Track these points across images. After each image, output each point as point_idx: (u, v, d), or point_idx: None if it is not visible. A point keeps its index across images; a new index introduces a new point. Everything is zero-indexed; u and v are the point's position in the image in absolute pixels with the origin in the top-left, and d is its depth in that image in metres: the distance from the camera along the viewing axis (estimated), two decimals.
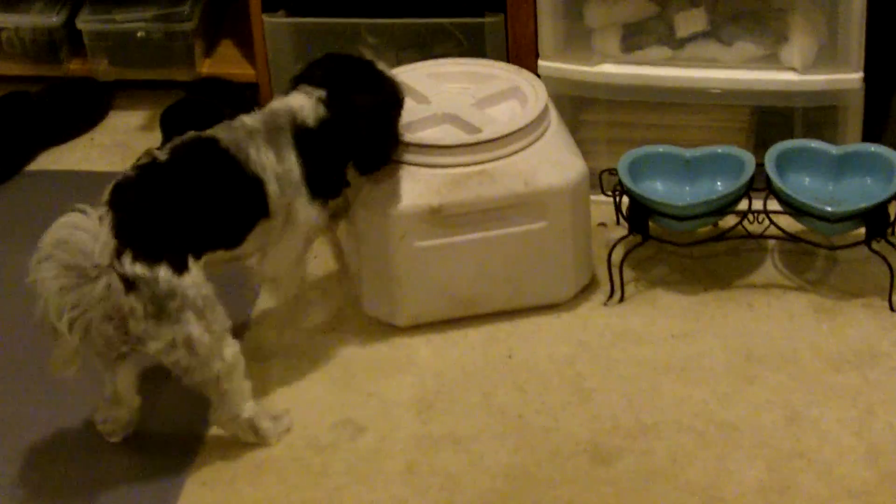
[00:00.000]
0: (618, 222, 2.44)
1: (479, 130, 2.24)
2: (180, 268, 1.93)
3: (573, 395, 2.17)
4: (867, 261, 2.33)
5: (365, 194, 2.22)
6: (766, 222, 2.35)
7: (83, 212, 1.92)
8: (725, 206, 2.31)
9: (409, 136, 2.24)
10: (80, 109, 2.88)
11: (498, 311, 2.31)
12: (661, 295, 2.35)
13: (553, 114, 2.33)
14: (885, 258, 2.29)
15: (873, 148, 2.36)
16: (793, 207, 2.30)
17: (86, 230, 1.90)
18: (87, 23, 2.84)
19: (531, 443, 2.09)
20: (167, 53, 2.86)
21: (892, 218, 2.31)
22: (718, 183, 2.37)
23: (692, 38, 2.49)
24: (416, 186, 2.21)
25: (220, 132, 2.06)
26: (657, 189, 2.39)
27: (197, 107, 2.76)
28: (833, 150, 2.37)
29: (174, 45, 2.85)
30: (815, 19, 2.45)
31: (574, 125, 2.48)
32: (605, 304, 2.34)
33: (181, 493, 2.04)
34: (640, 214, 2.32)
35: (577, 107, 2.54)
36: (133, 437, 2.14)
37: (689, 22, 2.49)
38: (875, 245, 2.28)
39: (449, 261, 2.25)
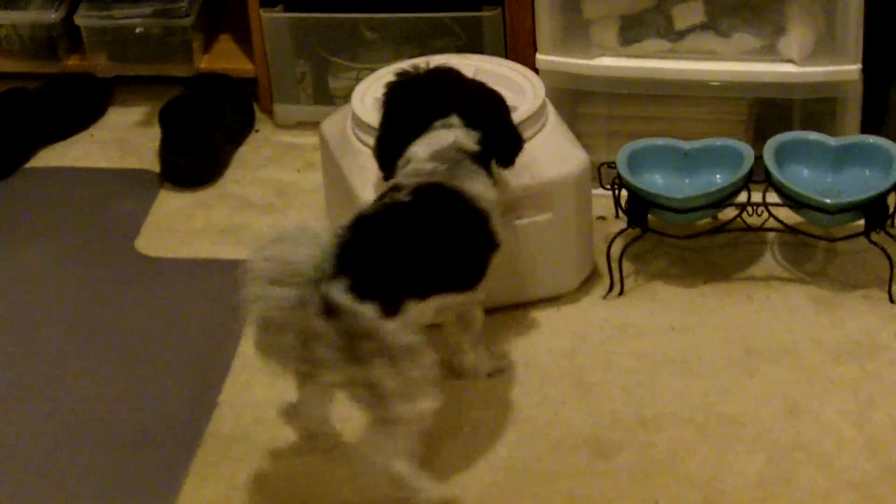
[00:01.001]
0: (616, 215, 2.44)
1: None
2: (390, 311, 1.85)
3: (573, 389, 2.17)
4: (866, 252, 2.33)
5: (370, 191, 2.20)
6: (765, 214, 2.35)
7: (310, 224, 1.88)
8: (724, 198, 2.31)
9: None
10: (78, 106, 2.88)
11: (505, 305, 2.31)
12: (661, 288, 2.35)
13: (550, 107, 2.33)
14: (884, 249, 2.29)
15: (872, 139, 2.36)
16: (792, 199, 2.30)
17: (306, 239, 1.83)
18: (85, 19, 2.84)
19: (531, 436, 2.09)
20: (166, 49, 2.86)
21: (891, 209, 2.31)
22: (717, 175, 2.37)
23: (690, 30, 2.49)
24: None
25: (438, 177, 1.99)
26: (656, 182, 2.39)
27: (196, 102, 2.77)
28: (832, 141, 2.37)
29: (172, 41, 2.85)
30: (814, 11, 2.44)
31: (572, 118, 2.47)
32: (604, 298, 2.34)
33: (182, 489, 2.04)
34: (638, 207, 2.32)
35: (576, 100, 2.54)
36: (133, 432, 2.14)
37: (687, 14, 2.48)
38: (874, 237, 2.28)
39: None
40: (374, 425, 1.92)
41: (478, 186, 2.02)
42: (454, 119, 2.04)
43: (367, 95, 2.32)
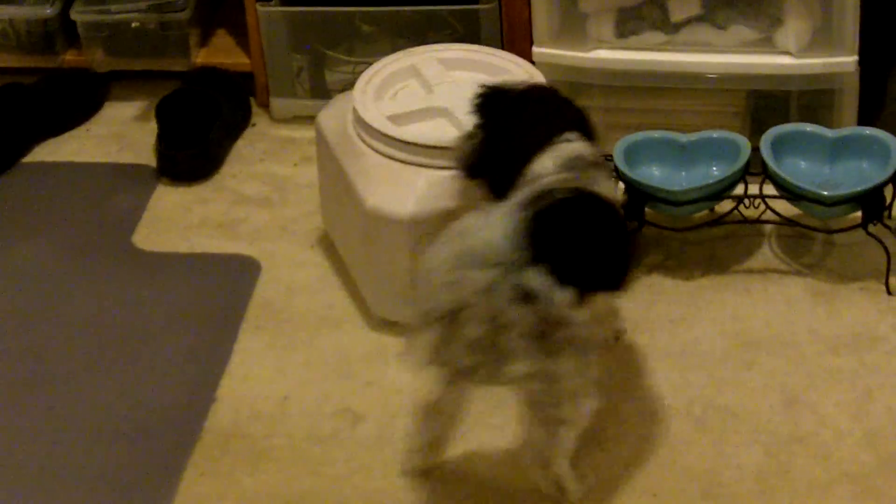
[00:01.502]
0: None
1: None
2: (582, 301, 1.83)
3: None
4: (864, 244, 2.33)
5: (377, 197, 2.20)
6: (763, 207, 2.35)
7: (486, 212, 1.85)
8: (721, 190, 2.31)
9: (420, 136, 2.22)
10: (75, 101, 2.88)
11: None
12: (658, 280, 2.35)
13: None
14: (881, 241, 2.29)
15: (869, 131, 2.36)
16: (789, 192, 2.30)
17: (489, 227, 1.82)
18: (81, 14, 2.83)
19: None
20: (162, 44, 2.86)
21: (888, 201, 2.31)
22: (714, 168, 2.37)
23: (686, 22, 2.49)
24: (431, 189, 2.19)
25: (579, 184, 1.96)
26: (653, 174, 2.39)
27: (192, 97, 2.76)
28: (829, 133, 2.37)
29: (169, 36, 2.85)
30: (810, 2, 2.44)
31: None
32: None
33: (180, 484, 2.04)
34: (636, 200, 2.32)
35: (572, 93, 2.52)
36: (130, 427, 2.14)
37: (684, 6, 2.48)
38: (871, 228, 2.28)
39: None
40: (543, 425, 1.90)
41: (612, 193, 2.00)
42: (571, 135, 2.01)
43: (368, 91, 2.31)
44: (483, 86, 2.10)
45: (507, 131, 2.06)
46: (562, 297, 1.79)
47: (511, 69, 2.36)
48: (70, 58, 2.92)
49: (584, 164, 1.98)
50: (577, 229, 1.88)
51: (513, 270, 1.78)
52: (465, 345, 1.80)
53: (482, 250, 1.79)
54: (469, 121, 2.09)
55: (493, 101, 2.09)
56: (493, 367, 1.82)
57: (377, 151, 2.23)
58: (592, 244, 1.88)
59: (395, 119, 2.25)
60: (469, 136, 2.10)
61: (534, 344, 1.80)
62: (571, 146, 2.00)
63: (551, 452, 1.93)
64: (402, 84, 2.37)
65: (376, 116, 2.25)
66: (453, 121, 2.26)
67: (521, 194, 1.88)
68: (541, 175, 1.96)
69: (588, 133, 2.04)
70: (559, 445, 1.92)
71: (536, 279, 1.78)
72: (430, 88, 2.33)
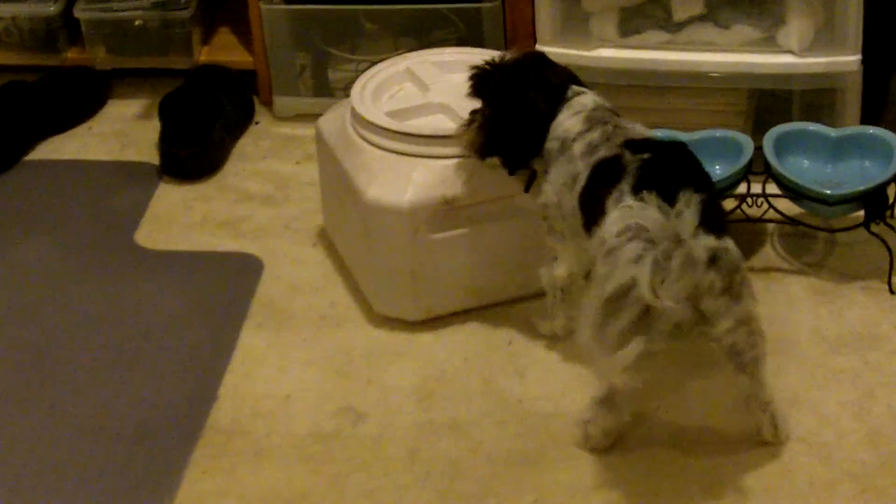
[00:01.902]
0: None
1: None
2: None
3: (573, 380, 2.17)
4: (866, 243, 2.33)
5: (376, 188, 2.21)
6: (765, 206, 2.35)
7: (641, 199, 1.87)
8: (724, 189, 2.31)
9: (416, 127, 2.23)
10: (78, 98, 2.88)
11: (510, 299, 2.31)
12: None
13: None
14: (883, 241, 2.29)
15: (872, 130, 2.36)
16: (791, 191, 2.30)
17: (652, 211, 1.85)
18: (84, 12, 2.84)
19: (532, 429, 2.09)
20: (165, 41, 2.86)
21: (890, 200, 2.31)
22: (717, 167, 2.37)
23: (689, 21, 2.49)
24: (428, 179, 2.20)
25: (631, 134, 2.05)
26: None
27: (195, 95, 2.76)
28: (831, 132, 2.37)
29: (172, 33, 2.85)
30: (812, 2, 2.44)
31: None
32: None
33: (182, 482, 2.04)
34: None
35: None
36: (133, 425, 2.14)
37: (686, 5, 2.48)
38: (874, 227, 2.28)
39: (462, 252, 2.25)
40: (746, 371, 1.96)
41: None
42: (575, 87, 2.11)
43: (367, 91, 2.32)
44: (474, 67, 2.14)
45: (511, 102, 2.10)
46: (728, 243, 1.88)
47: None
48: (73, 56, 2.92)
49: (608, 112, 2.07)
50: (700, 177, 1.97)
51: (686, 240, 1.82)
52: (669, 327, 1.86)
53: (664, 228, 1.82)
54: (469, 108, 2.15)
55: (488, 79, 2.13)
56: (701, 334, 1.90)
57: (374, 145, 2.24)
58: (711, 187, 1.97)
59: (394, 115, 2.26)
60: (472, 117, 2.14)
61: (726, 298, 1.87)
62: (583, 98, 2.08)
63: (765, 393, 1.99)
64: (398, 87, 2.38)
65: (373, 111, 2.26)
66: (452, 115, 2.27)
67: (627, 170, 1.94)
68: (570, 135, 2.04)
69: (582, 86, 2.13)
70: (765, 383, 1.98)
71: (709, 239, 1.84)
72: (427, 87, 2.34)
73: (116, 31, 2.85)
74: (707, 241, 1.83)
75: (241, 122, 2.82)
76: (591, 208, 1.99)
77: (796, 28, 2.44)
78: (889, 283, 2.31)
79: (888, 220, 2.31)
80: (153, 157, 2.74)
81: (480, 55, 2.39)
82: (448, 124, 2.26)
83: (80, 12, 2.84)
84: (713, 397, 2.10)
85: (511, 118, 2.11)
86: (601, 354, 1.87)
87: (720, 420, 2.08)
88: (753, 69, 2.45)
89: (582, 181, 2.03)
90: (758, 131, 2.43)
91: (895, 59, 2.58)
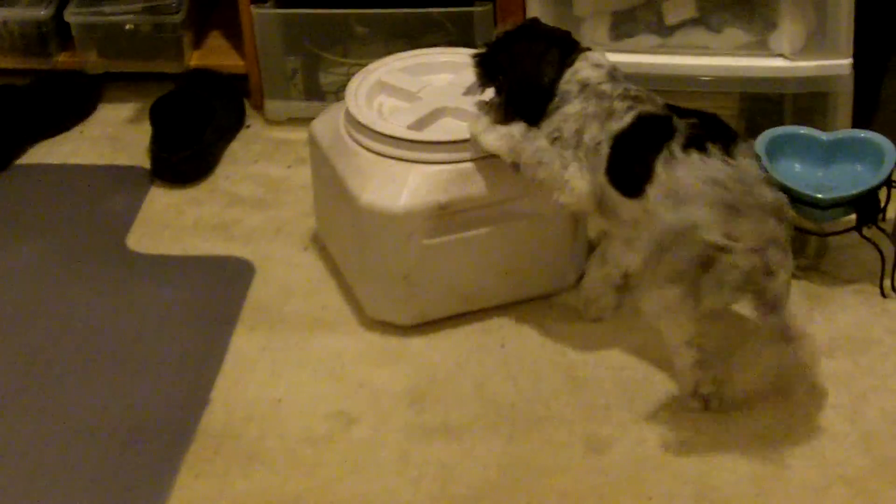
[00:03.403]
0: None
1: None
2: None
3: (566, 384, 2.17)
4: (858, 247, 2.33)
5: (370, 193, 2.21)
6: None
7: (723, 160, 1.93)
8: None
9: (410, 133, 2.23)
10: (69, 102, 2.88)
11: (504, 303, 2.31)
12: None
13: None
14: (875, 244, 2.29)
15: (863, 134, 2.36)
16: (783, 194, 2.29)
17: (720, 163, 1.92)
18: (75, 15, 2.83)
19: (524, 432, 2.09)
20: (156, 45, 2.86)
21: (882, 204, 2.31)
22: None
23: (681, 25, 2.49)
24: (423, 184, 2.20)
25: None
26: None
27: (186, 98, 2.76)
28: (823, 136, 2.37)
29: (163, 37, 2.85)
30: (804, 5, 2.45)
31: None
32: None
33: (174, 485, 2.04)
34: None
35: None
36: (124, 429, 2.14)
37: (678, 9, 2.49)
38: (866, 231, 2.28)
39: (456, 257, 2.24)
40: (779, 312, 1.97)
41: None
42: (583, 48, 2.16)
43: (360, 93, 2.32)
44: (474, 54, 2.18)
45: (523, 64, 2.14)
46: (783, 196, 1.94)
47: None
48: (64, 59, 2.92)
49: (622, 75, 2.12)
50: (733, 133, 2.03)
51: (756, 189, 1.89)
52: (736, 281, 1.91)
53: (731, 182, 1.89)
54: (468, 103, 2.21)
55: (491, 59, 2.17)
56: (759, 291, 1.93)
57: (368, 149, 2.24)
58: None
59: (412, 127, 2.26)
60: (489, 102, 2.19)
61: (786, 250, 1.92)
62: (598, 56, 2.13)
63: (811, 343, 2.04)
64: (378, 102, 2.36)
65: (367, 115, 2.25)
66: (460, 115, 2.27)
67: (678, 131, 1.99)
68: (593, 81, 2.09)
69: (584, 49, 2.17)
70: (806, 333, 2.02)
71: (774, 193, 1.92)
72: (415, 96, 2.33)
73: (108, 34, 2.85)
74: (773, 193, 1.90)
75: (232, 125, 2.82)
76: (631, 162, 2.03)
77: (788, 32, 2.44)
78: (881, 287, 2.31)
79: (880, 224, 2.31)
80: (145, 161, 2.74)
81: (443, 55, 2.41)
82: (459, 126, 2.26)
83: (71, 16, 2.84)
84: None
85: (524, 78, 2.13)
86: (648, 285, 1.94)
87: (711, 423, 2.09)
88: (745, 73, 2.46)
89: (623, 123, 2.05)
90: (750, 134, 2.43)
91: (887, 63, 2.58)
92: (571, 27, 2.49)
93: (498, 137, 2.15)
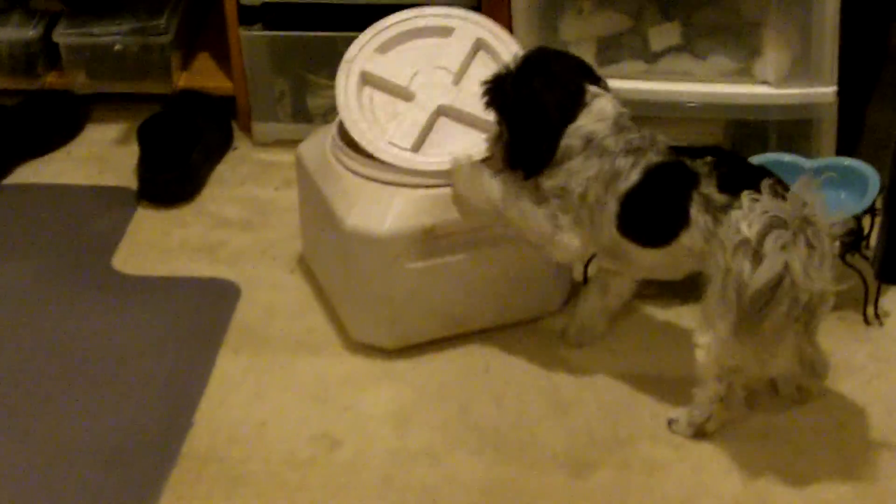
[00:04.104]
0: None
1: (478, 118, 2.24)
2: None
3: (550, 408, 2.17)
4: (842, 274, 2.33)
5: (356, 216, 2.21)
6: None
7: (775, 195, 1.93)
8: None
9: (397, 158, 2.23)
10: (57, 122, 2.88)
11: (488, 327, 2.31)
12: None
13: None
14: (859, 271, 2.30)
15: (847, 162, 2.37)
16: None
17: (775, 201, 1.91)
18: (63, 36, 2.84)
19: (508, 456, 2.10)
20: (144, 66, 2.86)
21: (865, 232, 2.32)
22: None
23: (666, 51, 2.50)
24: (408, 207, 2.20)
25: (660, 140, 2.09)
26: None
27: (174, 120, 2.76)
28: (807, 163, 2.38)
29: (151, 58, 2.85)
30: (789, 33, 2.46)
31: None
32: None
33: None
34: None
35: None
36: (108, 450, 2.13)
37: (664, 36, 2.50)
38: (849, 258, 2.29)
39: (441, 281, 2.25)
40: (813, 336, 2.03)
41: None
42: (592, 88, 2.10)
43: (350, 91, 2.30)
44: (486, 80, 2.14)
45: (524, 116, 2.10)
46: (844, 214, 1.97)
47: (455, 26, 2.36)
48: (52, 80, 2.92)
49: (627, 117, 2.09)
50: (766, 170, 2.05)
51: (817, 221, 1.90)
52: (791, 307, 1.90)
53: (793, 220, 1.89)
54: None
55: (500, 90, 2.12)
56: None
57: (354, 172, 2.24)
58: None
59: (417, 148, 2.25)
60: (498, 131, 2.15)
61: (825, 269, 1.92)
62: (603, 103, 2.08)
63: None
64: (367, 93, 2.35)
65: (358, 129, 2.26)
66: (454, 115, 2.26)
67: (702, 174, 1.98)
68: (597, 136, 2.05)
69: (597, 79, 2.12)
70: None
71: (829, 216, 1.93)
72: (410, 94, 2.32)
73: (96, 55, 2.85)
74: (829, 219, 1.91)
75: (219, 147, 2.82)
76: (663, 215, 2.02)
77: (772, 59, 2.45)
78: (864, 314, 2.32)
79: (863, 251, 2.32)
80: (132, 182, 2.74)
81: (422, 20, 2.39)
82: (454, 131, 2.26)
83: (59, 37, 2.84)
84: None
85: (527, 133, 2.10)
86: (755, 349, 1.93)
87: (695, 447, 2.09)
88: (730, 100, 2.47)
89: (630, 182, 2.03)
90: None
91: (871, 91, 2.60)
92: None
93: (479, 190, 2.14)
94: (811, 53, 2.42)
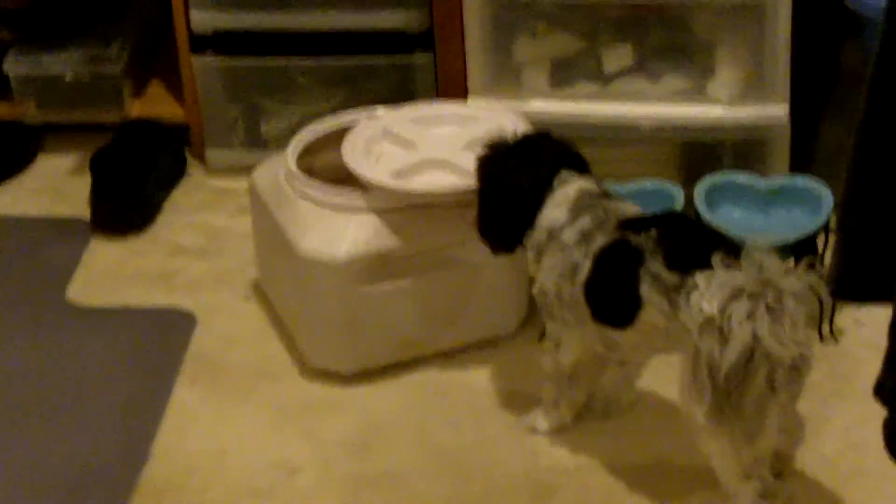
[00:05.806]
0: None
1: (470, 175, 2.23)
2: None
3: (510, 431, 2.17)
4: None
5: (310, 241, 2.21)
6: None
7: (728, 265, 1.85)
8: None
9: (349, 181, 2.23)
10: (8, 153, 2.86)
11: (446, 350, 2.31)
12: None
13: None
14: (814, 289, 2.30)
15: (801, 180, 2.39)
16: None
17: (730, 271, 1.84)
18: (13, 66, 2.82)
19: (468, 480, 2.09)
20: (96, 96, 2.85)
21: (820, 249, 2.33)
22: None
23: (620, 73, 2.51)
24: (362, 232, 2.20)
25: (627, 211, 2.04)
26: None
27: (127, 148, 2.75)
28: (761, 182, 2.39)
29: (103, 88, 2.84)
30: (741, 52, 2.47)
31: None
32: (540, 340, 2.34)
33: None
34: None
35: None
36: (64, 483, 2.11)
37: (617, 57, 2.51)
38: None
39: (397, 304, 2.24)
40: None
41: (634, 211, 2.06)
42: (564, 174, 2.07)
43: (359, 140, 2.30)
44: (484, 147, 2.12)
45: (493, 191, 2.10)
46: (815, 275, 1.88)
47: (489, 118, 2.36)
48: (2, 111, 2.90)
49: (594, 198, 2.04)
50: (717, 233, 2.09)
51: (779, 281, 1.82)
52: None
53: (754, 285, 1.81)
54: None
55: (486, 161, 2.12)
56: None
57: (307, 198, 2.24)
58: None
59: (396, 176, 2.23)
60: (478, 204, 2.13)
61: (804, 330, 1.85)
62: (567, 188, 2.05)
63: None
64: (378, 148, 2.34)
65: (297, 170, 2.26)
66: (452, 169, 2.24)
67: (647, 251, 1.91)
68: (556, 225, 2.02)
69: (580, 166, 2.11)
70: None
71: (796, 273, 1.85)
72: (413, 145, 2.32)
73: (47, 85, 2.84)
74: (797, 276, 1.84)
75: (173, 175, 2.81)
76: (615, 298, 1.96)
77: (726, 78, 2.47)
78: (819, 332, 2.31)
79: (818, 269, 2.32)
80: (85, 212, 2.72)
81: (456, 108, 2.41)
82: (450, 179, 2.23)
83: (9, 67, 2.83)
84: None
85: (491, 207, 2.10)
86: (740, 431, 1.84)
87: (678, 483, 2.09)
88: (684, 121, 2.48)
89: (585, 271, 1.99)
90: (689, 181, 2.45)
91: (823, 109, 2.61)
92: (511, 74, 2.52)
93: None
94: (764, 72, 2.44)
